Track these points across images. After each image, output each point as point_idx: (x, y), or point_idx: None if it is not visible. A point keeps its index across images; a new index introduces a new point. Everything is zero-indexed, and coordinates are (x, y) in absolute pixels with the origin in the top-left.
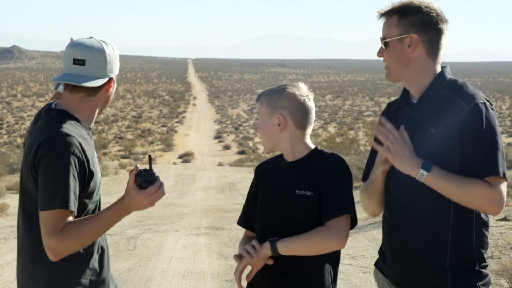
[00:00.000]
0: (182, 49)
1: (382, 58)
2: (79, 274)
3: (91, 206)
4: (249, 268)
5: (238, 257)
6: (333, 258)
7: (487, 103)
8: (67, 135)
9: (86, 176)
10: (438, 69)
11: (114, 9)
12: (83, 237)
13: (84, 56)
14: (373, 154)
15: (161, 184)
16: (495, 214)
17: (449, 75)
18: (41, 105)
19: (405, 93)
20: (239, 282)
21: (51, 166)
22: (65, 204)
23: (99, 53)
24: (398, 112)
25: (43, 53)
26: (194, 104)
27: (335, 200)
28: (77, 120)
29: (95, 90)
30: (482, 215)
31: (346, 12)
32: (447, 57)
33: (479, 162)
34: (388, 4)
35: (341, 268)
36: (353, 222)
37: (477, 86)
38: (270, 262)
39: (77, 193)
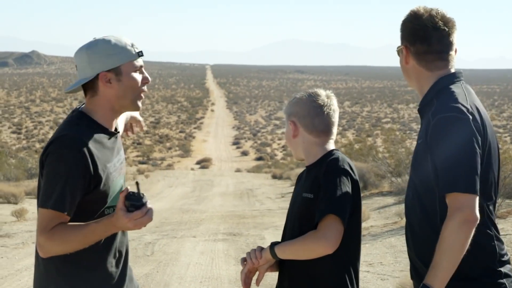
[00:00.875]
0: (200, 54)
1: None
2: (93, 278)
3: (107, 211)
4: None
5: (244, 261)
6: (350, 263)
7: (458, 115)
8: (75, 137)
9: (91, 180)
10: (437, 78)
11: (132, 14)
12: (68, 241)
13: (76, 61)
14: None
15: (149, 210)
16: (468, 229)
17: (443, 84)
18: (60, 110)
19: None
20: (244, 284)
21: (53, 165)
22: (58, 206)
23: (80, 54)
24: None
25: (62, 58)
26: (212, 110)
27: (323, 201)
28: (95, 122)
29: (92, 90)
30: (486, 225)
31: (364, 18)
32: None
33: (440, 178)
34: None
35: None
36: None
37: (495, 94)
38: (272, 270)
39: (76, 196)
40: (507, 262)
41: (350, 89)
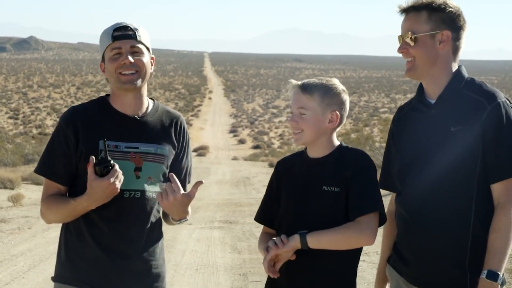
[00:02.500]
0: (198, 42)
1: (401, 54)
2: (87, 254)
3: None
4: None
5: (266, 250)
6: (357, 256)
7: (508, 102)
8: (70, 110)
9: (75, 151)
10: (455, 68)
11: (131, 1)
12: (54, 214)
13: None
14: (387, 155)
15: (117, 167)
16: None
17: (466, 74)
18: (57, 96)
19: (420, 93)
20: (268, 270)
21: None
22: (38, 169)
23: None
24: (412, 113)
25: (60, 44)
26: (209, 98)
27: (365, 197)
28: (108, 104)
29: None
30: None
31: (363, 8)
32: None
33: (499, 163)
34: None
35: None
36: (382, 219)
37: (494, 85)
38: (293, 257)
39: (60, 162)
40: None
41: (348, 79)
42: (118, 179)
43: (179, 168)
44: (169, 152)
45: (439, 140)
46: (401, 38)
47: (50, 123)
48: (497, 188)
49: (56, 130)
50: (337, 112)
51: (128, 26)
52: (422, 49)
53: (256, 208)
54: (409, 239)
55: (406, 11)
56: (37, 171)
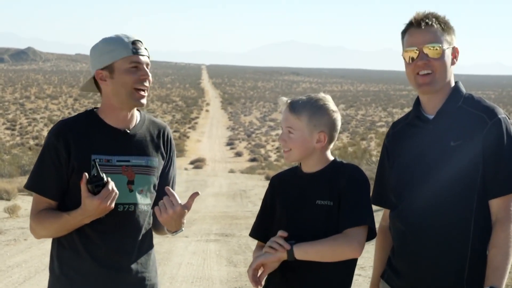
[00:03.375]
0: (196, 54)
1: (412, 67)
2: (80, 268)
3: None
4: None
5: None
6: (351, 269)
7: (507, 118)
8: (60, 123)
9: (66, 166)
10: (453, 83)
11: (129, 13)
12: (46, 229)
13: None
14: (381, 172)
15: (112, 185)
16: None
17: (463, 89)
18: (54, 107)
19: (417, 107)
20: (252, 280)
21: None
22: (28, 185)
23: (90, 54)
24: (408, 128)
25: (58, 55)
26: (207, 110)
27: (354, 210)
28: (96, 116)
29: (99, 87)
30: None
31: (361, 21)
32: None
33: (499, 179)
34: (421, 12)
35: None
36: (371, 234)
37: (491, 99)
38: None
39: (51, 178)
40: None
41: (345, 92)
42: (111, 197)
43: (166, 179)
44: (159, 163)
45: (438, 154)
46: (418, 50)
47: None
48: (496, 204)
49: (46, 145)
50: (325, 133)
51: (142, 42)
52: (445, 62)
53: (252, 221)
54: (406, 252)
55: (422, 23)
56: (28, 186)
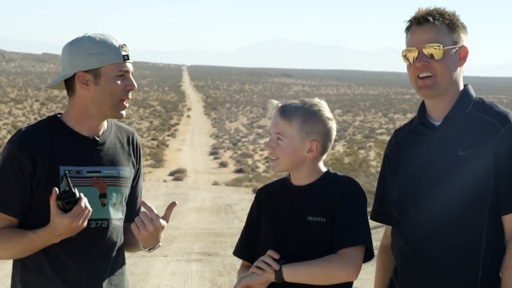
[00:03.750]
0: (176, 54)
1: (412, 69)
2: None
3: None
4: None
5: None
6: None
7: None
8: (20, 133)
9: (32, 179)
10: (462, 87)
11: (102, 8)
12: (8, 249)
13: (61, 56)
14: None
15: (85, 202)
16: None
17: (473, 93)
18: (19, 112)
19: (422, 113)
20: None
21: None
22: None
23: (63, 49)
24: (412, 136)
25: (23, 55)
26: (188, 116)
27: (350, 228)
28: (62, 124)
29: (69, 89)
30: None
31: (359, 18)
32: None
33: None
34: (424, 8)
35: None
36: (369, 255)
37: (503, 104)
38: None
39: (14, 193)
40: None
41: (342, 96)
42: (84, 215)
43: (135, 190)
44: (130, 173)
45: (445, 165)
46: (417, 50)
47: None
48: (509, 220)
49: (6, 157)
50: (317, 142)
51: (126, 45)
52: (449, 64)
53: (238, 239)
54: (410, 273)
55: (423, 21)
56: None
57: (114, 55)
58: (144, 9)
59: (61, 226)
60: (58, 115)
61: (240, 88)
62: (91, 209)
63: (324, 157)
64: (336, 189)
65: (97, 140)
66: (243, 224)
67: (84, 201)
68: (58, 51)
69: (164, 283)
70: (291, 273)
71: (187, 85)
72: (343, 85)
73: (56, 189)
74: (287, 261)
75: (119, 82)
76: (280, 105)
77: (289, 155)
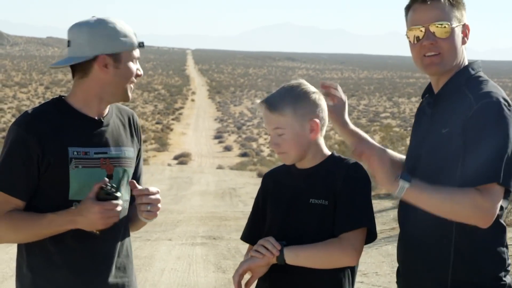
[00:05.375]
0: (180, 38)
1: (420, 48)
2: (64, 280)
3: (74, 205)
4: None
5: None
6: (348, 277)
7: (505, 102)
8: (27, 115)
9: (40, 161)
10: (464, 63)
11: None
12: (22, 231)
13: (70, 36)
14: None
15: (121, 205)
16: (483, 225)
17: (474, 70)
18: (23, 96)
19: (429, 89)
20: (237, 286)
21: (4, 143)
22: None
23: (80, 30)
24: (418, 113)
25: (27, 38)
26: (192, 100)
27: (352, 212)
28: (68, 106)
29: (84, 71)
30: (495, 231)
31: (363, 2)
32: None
33: (478, 167)
34: None
35: None
36: (372, 236)
37: (507, 88)
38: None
39: (21, 176)
40: (509, 271)
41: (346, 80)
42: (111, 215)
43: (137, 171)
44: (134, 153)
45: (430, 143)
46: (424, 28)
47: None
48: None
49: (13, 139)
50: (315, 118)
51: None
52: (455, 41)
53: (243, 222)
54: (399, 255)
55: None
56: None
57: (134, 41)
58: None
59: (87, 210)
60: (63, 97)
61: (244, 72)
62: (119, 217)
63: (324, 132)
64: (339, 172)
65: (102, 121)
66: (247, 208)
67: (120, 204)
68: (62, 35)
69: (168, 267)
70: (292, 256)
71: (191, 69)
72: (348, 69)
73: (107, 179)
74: (290, 244)
75: (133, 66)
76: (264, 101)
77: (296, 144)
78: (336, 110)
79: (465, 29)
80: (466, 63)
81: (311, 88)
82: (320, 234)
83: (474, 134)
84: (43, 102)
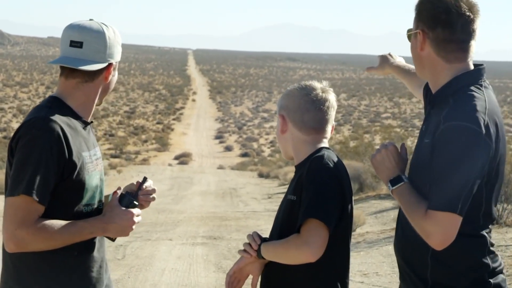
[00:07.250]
0: (181, 38)
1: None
2: (67, 281)
3: (85, 209)
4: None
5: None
6: (337, 275)
7: (477, 128)
8: (47, 118)
9: (65, 166)
10: (462, 70)
11: None
12: (53, 239)
13: (82, 38)
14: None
15: (138, 212)
16: (434, 247)
17: (467, 80)
18: (24, 96)
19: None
20: (228, 287)
21: (24, 149)
22: (29, 191)
23: (98, 35)
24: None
25: (28, 38)
26: (193, 100)
27: (304, 203)
28: (69, 109)
29: (92, 75)
30: (475, 240)
31: (363, 2)
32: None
33: (436, 191)
34: None
35: (351, 286)
36: (340, 230)
37: (508, 89)
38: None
39: (50, 182)
40: (500, 272)
41: (347, 80)
42: (134, 222)
43: None
44: None
45: (415, 151)
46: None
47: (16, 126)
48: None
49: (43, 146)
50: (283, 114)
51: None
52: (411, 50)
53: (243, 222)
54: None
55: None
56: (26, 191)
57: (120, 49)
58: None
59: (119, 218)
60: (58, 98)
61: (245, 72)
62: (134, 228)
63: (315, 134)
64: (305, 168)
65: (92, 122)
66: (248, 208)
67: (139, 214)
68: None
69: (169, 267)
70: (265, 251)
71: (192, 69)
72: (349, 69)
73: (121, 187)
74: (274, 238)
75: None
76: None
77: (277, 136)
78: (384, 59)
79: (418, 36)
80: (471, 67)
81: (295, 87)
82: (291, 230)
83: (438, 158)
84: (43, 102)
